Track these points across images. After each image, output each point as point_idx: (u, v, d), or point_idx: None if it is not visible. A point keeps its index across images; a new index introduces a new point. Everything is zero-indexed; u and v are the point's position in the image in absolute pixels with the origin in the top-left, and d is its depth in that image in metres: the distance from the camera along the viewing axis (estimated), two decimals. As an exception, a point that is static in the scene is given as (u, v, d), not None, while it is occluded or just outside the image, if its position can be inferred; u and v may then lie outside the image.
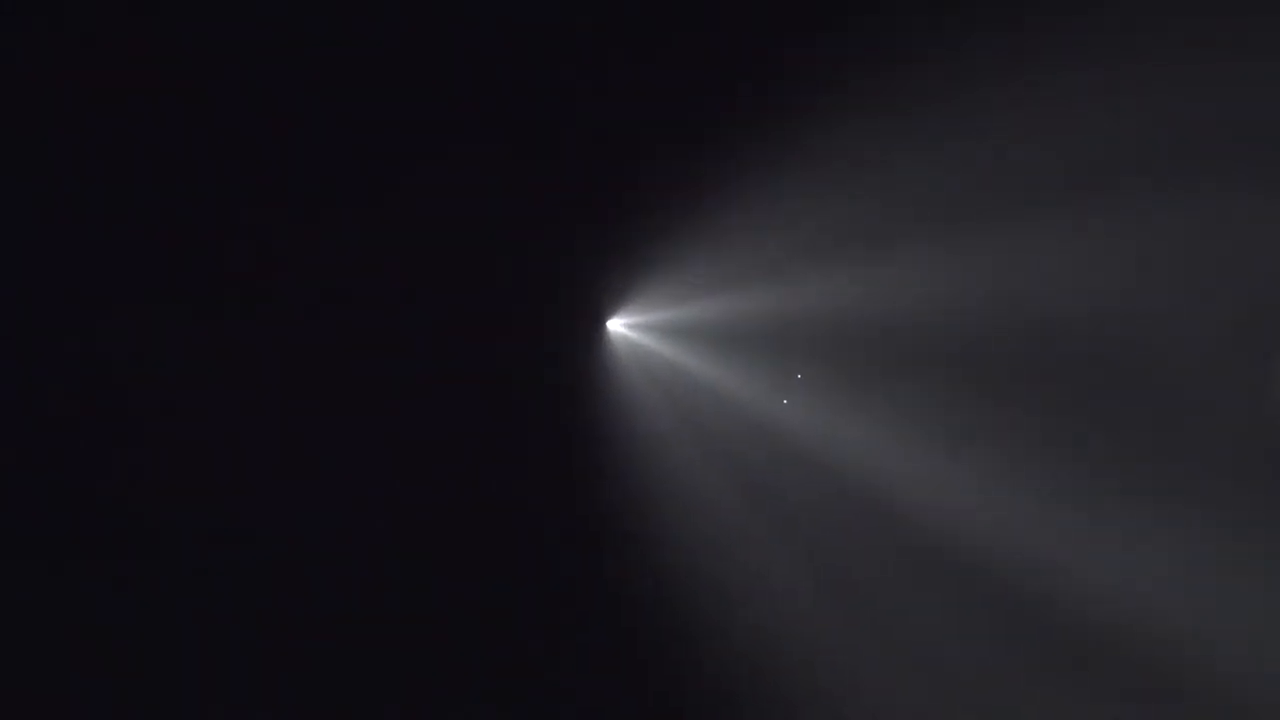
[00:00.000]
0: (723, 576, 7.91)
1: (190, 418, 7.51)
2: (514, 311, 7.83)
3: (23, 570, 7.26)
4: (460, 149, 7.74)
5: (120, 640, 7.32)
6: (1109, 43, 7.83)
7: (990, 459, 8.03)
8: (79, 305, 7.42)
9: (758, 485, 8.04)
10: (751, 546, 7.99)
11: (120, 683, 7.29)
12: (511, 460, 7.83)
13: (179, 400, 7.51)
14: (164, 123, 7.46)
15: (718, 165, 7.87)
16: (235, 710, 7.35)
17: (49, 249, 7.39)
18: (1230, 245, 7.94)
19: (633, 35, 7.80)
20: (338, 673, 7.49)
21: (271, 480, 7.53)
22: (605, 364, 7.91)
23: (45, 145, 7.35)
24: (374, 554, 7.61)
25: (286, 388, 7.60)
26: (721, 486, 8.01)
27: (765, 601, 7.93)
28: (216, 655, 7.39)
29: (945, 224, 7.98)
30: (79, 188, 7.40)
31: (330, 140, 7.64)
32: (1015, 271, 8.03)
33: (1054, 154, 7.95)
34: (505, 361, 7.82)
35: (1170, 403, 8.03)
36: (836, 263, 8.00)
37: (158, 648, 7.35)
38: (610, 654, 7.74)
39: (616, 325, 7.91)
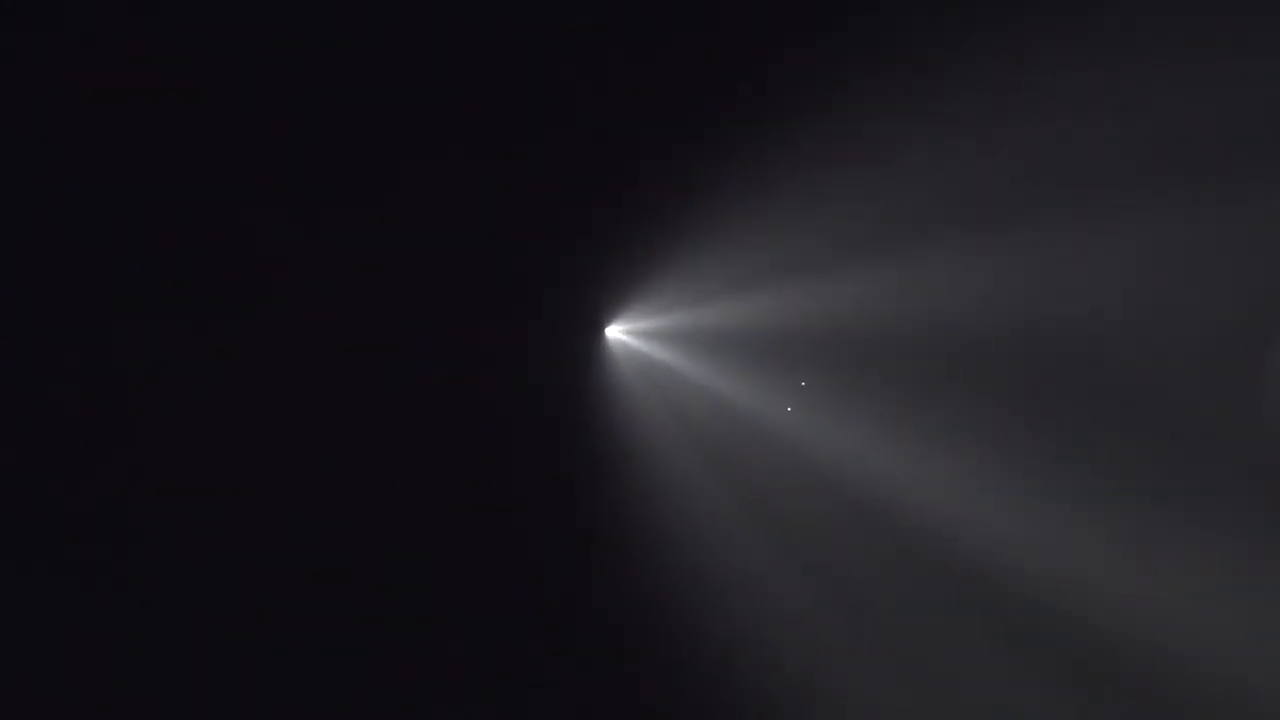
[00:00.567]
0: (721, 581, 7.92)
1: (190, 417, 7.50)
2: (513, 316, 7.82)
3: (23, 570, 7.27)
4: (458, 151, 7.73)
5: (120, 640, 7.33)
6: (1109, 43, 7.81)
7: (992, 462, 8.04)
8: (79, 305, 7.40)
9: (756, 490, 8.05)
10: (750, 551, 7.99)
11: (120, 683, 7.30)
12: (510, 464, 7.83)
13: (179, 400, 7.50)
14: (164, 123, 7.44)
15: (717, 169, 7.86)
16: (235, 710, 7.36)
17: (49, 249, 7.37)
18: (1231, 245, 7.93)
19: (633, 36, 7.78)
20: (338, 673, 7.50)
21: (271, 480, 7.53)
22: (604, 369, 7.90)
23: (45, 145, 7.32)
24: (373, 555, 7.61)
25: (285, 388, 7.59)
26: (720, 491, 8.01)
27: (764, 605, 7.94)
28: (216, 655, 7.39)
29: (946, 226, 7.99)
30: (79, 188, 7.38)
31: (330, 140, 7.63)
32: (1016, 274, 8.03)
33: (1056, 154, 7.95)
34: (504, 366, 7.81)
35: (1171, 403, 8.04)
36: (836, 266, 7.99)
37: (158, 648, 7.35)
38: (607, 657, 7.75)
39: (615, 331, 7.90)
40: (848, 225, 7.98)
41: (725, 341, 8.01)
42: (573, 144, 7.84)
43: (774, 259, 7.98)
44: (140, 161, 7.44)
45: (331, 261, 7.66)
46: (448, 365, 7.76)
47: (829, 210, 7.95)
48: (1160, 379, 8.02)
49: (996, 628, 7.91)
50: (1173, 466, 7.97)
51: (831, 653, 7.90)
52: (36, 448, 7.35)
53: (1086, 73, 7.86)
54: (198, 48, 7.43)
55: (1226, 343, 8.01)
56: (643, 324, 7.91)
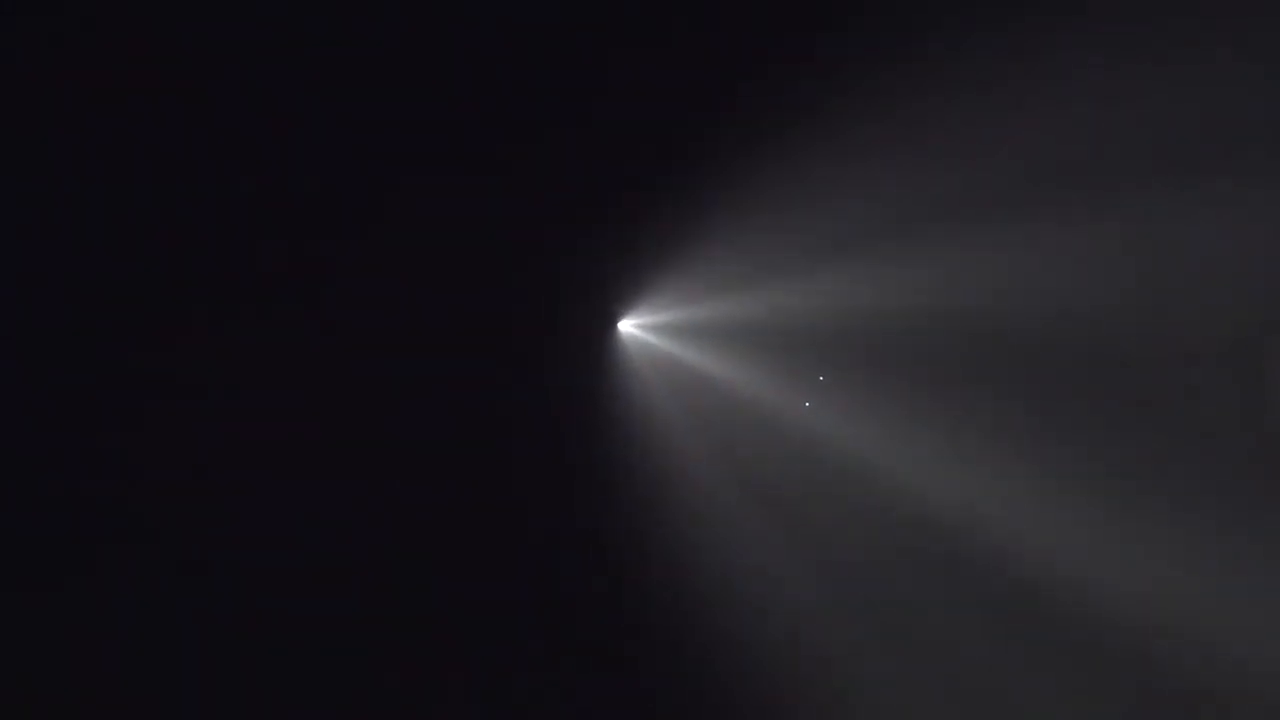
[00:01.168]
0: (735, 576, 7.71)
1: (190, 417, 7.40)
2: (525, 312, 7.73)
3: (22, 571, 7.11)
4: (468, 148, 7.72)
5: (120, 641, 7.15)
6: (1107, 41, 7.83)
7: (1007, 457, 7.87)
8: (78, 305, 7.35)
9: (770, 484, 7.87)
10: (764, 545, 7.79)
11: (120, 683, 7.09)
12: (524, 460, 7.68)
13: (179, 400, 7.40)
14: (164, 123, 7.45)
15: (729, 164, 7.82)
16: (235, 711, 7.11)
17: (49, 249, 7.35)
18: (1230, 241, 7.85)
19: (641, 31, 7.80)
20: (339, 673, 7.29)
21: (280, 480, 7.40)
22: (617, 364, 7.79)
23: (45, 145, 7.34)
24: (383, 555, 7.44)
25: (291, 387, 7.50)
26: (734, 486, 7.83)
27: (777, 601, 7.72)
28: (216, 656, 7.19)
29: (959, 221, 7.90)
30: (79, 188, 7.37)
31: (335, 141, 7.62)
32: (1029, 268, 7.94)
33: (1066, 148, 7.90)
34: (517, 362, 7.71)
35: (1183, 397, 7.89)
36: (849, 260, 7.91)
37: (158, 648, 7.17)
38: (619, 654, 7.53)
39: (628, 325, 7.80)
40: (863, 220, 7.91)
41: (739, 336, 7.90)
42: (584, 139, 7.82)
43: (787, 253, 7.89)
44: (140, 161, 7.43)
45: (338, 263, 7.61)
46: (460, 363, 7.65)
47: (843, 204, 7.90)
48: (1172, 374, 7.89)
49: (1010, 624, 7.71)
50: (1181, 463, 7.81)
51: (845, 649, 7.68)
52: (36, 447, 7.23)
53: (1094, 64, 7.86)
54: (198, 48, 7.47)
55: (1227, 339, 7.89)
56: (657, 318, 7.80)
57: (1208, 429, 7.86)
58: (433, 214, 7.66)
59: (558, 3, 7.76)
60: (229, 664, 7.18)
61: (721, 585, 7.69)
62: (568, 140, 7.80)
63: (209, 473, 7.36)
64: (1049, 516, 7.80)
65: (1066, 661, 7.66)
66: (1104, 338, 7.93)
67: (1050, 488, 7.83)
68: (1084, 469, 7.86)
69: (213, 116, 7.49)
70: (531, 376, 7.70)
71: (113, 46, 7.38)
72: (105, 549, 7.22)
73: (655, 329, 7.82)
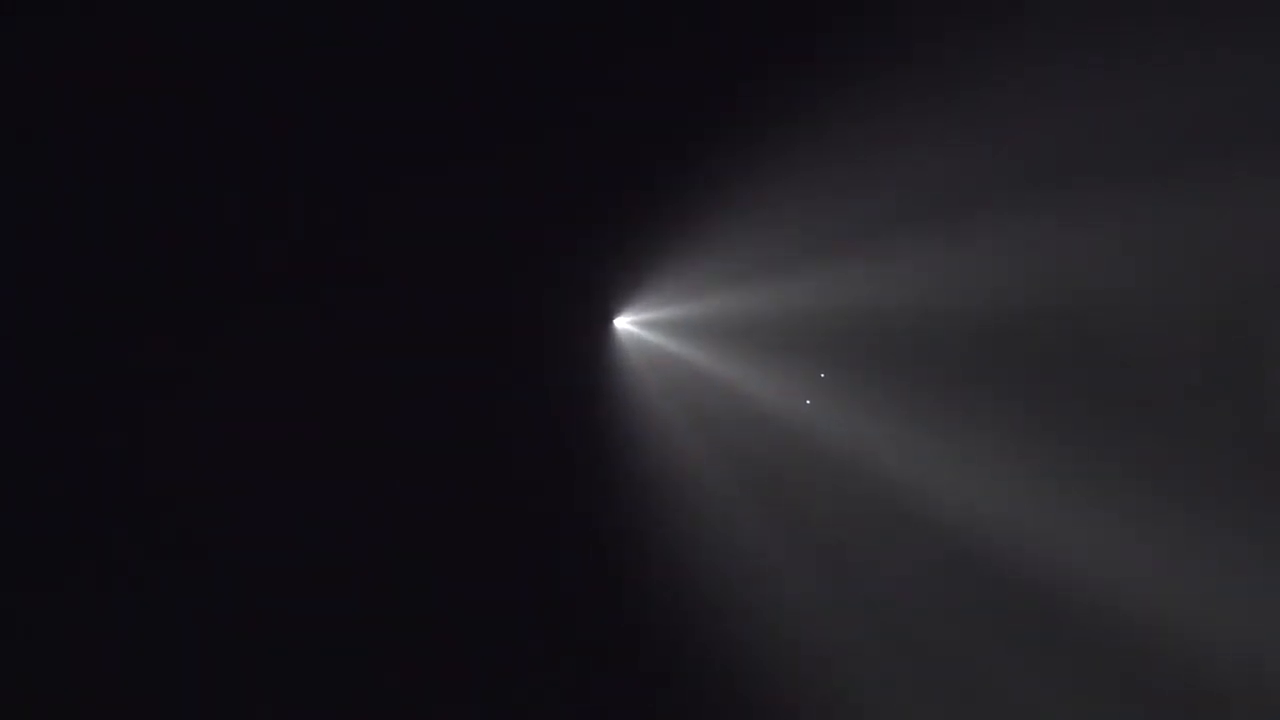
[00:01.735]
0: (734, 574, 7.71)
1: (189, 417, 7.42)
2: (521, 310, 7.74)
3: (22, 570, 7.14)
4: (463, 145, 7.72)
5: (119, 641, 7.18)
6: (1103, 37, 7.83)
7: (1008, 454, 7.86)
8: (78, 305, 7.38)
9: (770, 481, 7.86)
10: (763, 543, 7.79)
11: (121, 683, 7.13)
12: (522, 460, 7.68)
13: (177, 400, 7.42)
14: (164, 123, 7.46)
15: (726, 159, 7.81)
16: (235, 711, 7.14)
17: (49, 249, 7.36)
18: (1229, 235, 7.85)
19: (638, 27, 7.80)
20: (339, 673, 7.31)
21: (278, 480, 7.42)
22: (613, 362, 7.79)
23: (45, 145, 7.35)
24: (379, 554, 7.46)
25: (288, 387, 7.50)
26: (733, 483, 7.83)
27: (777, 599, 7.71)
28: (217, 656, 7.23)
29: (960, 216, 7.89)
30: (79, 188, 7.38)
31: (331, 140, 7.63)
32: (1029, 264, 7.93)
33: (1062, 147, 7.89)
34: (514, 361, 7.72)
35: (1178, 398, 7.88)
36: (848, 256, 7.89)
37: (157, 648, 7.20)
38: (617, 653, 7.54)
39: (624, 323, 7.80)
40: (861, 216, 7.90)
41: (737, 332, 7.89)
42: (579, 136, 7.82)
43: (785, 249, 7.88)
44: (140, 161, 7.45)
45: (334, 261, 7.62)
46: (457, 362, 7.66)
47: (840, 201, 7.89)
48: (1174, 372, 7.88)
49: (1013, 623, 7.70)
50: (1189, 460, 7.80)
51: (846, 649, 7.68)
52: (36, 447, 7.25)
53: (1093, 59, 7.86)
54: (198, 48, 7.48)
55: (1226, 331, 7.88)
56: (653, 315, 7.80)
57: (1208, 428, 7.85)
58: (424, 212, 7.66)
59: (556, 2, 7.77)
60: (229, 664, 7.20)
61: (721, 583, 7.69)
62: (565, 138, 7.80)
63: (207, 472, 7.38)
64: (1051, 515, 7.78)
65: (1069, 661, 7.66)
66: (1106, 336, 7.93)
67: (1052, 487, 7.81)
68: (1087, 468, 7.84)
69: (211, 116, 7.51)
70: (529, 374, 7.71)
71: (113, 46, 7.40)
72: (104, 549, 7.25)
73: (653, 326, 7.82)
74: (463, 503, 7.57)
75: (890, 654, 7.71)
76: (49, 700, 7.01)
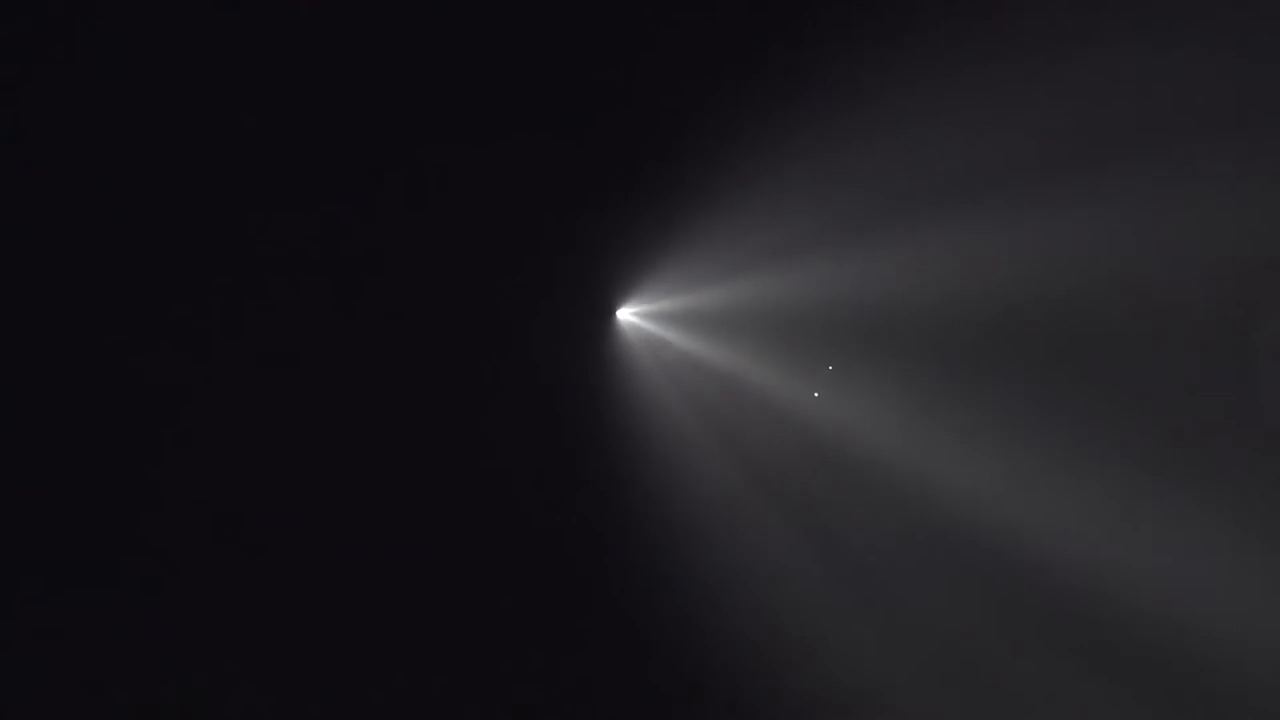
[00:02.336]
0: (738, 564, 7.76)
1: (191, 417, 7.41)
2: (522, 301, 7.76)
3: (23, 571, 7.14)
4: (464, 138, 7.72)
5: (119, 641, 7.21)
6: (1110, 25, 7.87)
7: (1014, 446, 7.92)
8: (78, 306, 7.36)
9: (772, 472, 7.91)
10: (768, 534, 7.84)
11: (120, 683, 7.16)
12: (521, 451, 7.71)
13: (174, 399, 7.42)
14: (164, 122, 7.44)
15: (732, 149, 7.83)
16: (236, 711, 7.18)
17: (48, 249, 7.34)
18: (1229, 227, 7.95)
19: (639, 20, 7.82)
20: (339, 673, 7.35)
21: (276, 480, 7.43)
22: (616, 353, 7.82)
23: (45, 145, 7.32)
24: (378, 550, 7.49)
25: (285, 386, 7.51)
26: (735, 475, 7.87)
27: (780, 591, 7.77)
28: (216, 656, 7.27)
29: (963, 205, 7.89)
30: (79, 188, 7.35)
31: (332, 137, 7.62)
32: (1035, 254, 7.94)
33: (1069, 134, 7.91)
34: (514, 352, 7.73)
35: (1182, 392, 7.97)
36: (850, 247, 7.90)
37: (157, 649, 7.24)
38: (620, 645, 7.59)
39: (626, 314, 7.83)
40: (863, 207, 7.91)
41: (739, 323, 7.90)
42: (577, 131, 7.83)
43: (787, 239, 7.90)
44: (140, 161, 7.42)
45: (335, 257, 7.62)
46: (457, 353, 7.67)
47: (842, 190, 7.90)
48: (1177, 366, 7.97)
49: (1018, 616, 7.76)
50: (1197, 454, 7.88)
51: (854, 642, 7.73)
52: (35, 447, 7.24)
53: (1102, 47, 7.88)
54: (197, 47, 7.45)
55: (1228, 322, 7.98)
56: (655, 306, 7.83)
57: (1213, 419, 7.89)
58: (426, 207, 7.67)
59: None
60: (228, 664, 7.24)
61: (724, 574, 7.73)
62: (560, 129, 7.81)
63: (205, 471, 7.38)
64: (1055, 504, 7.83)
65: (1077, 651, 7.70)
66: (1113, 330, 7.96)
67: (1061, 481, 7.87)
68: (1097, 462, 7.88)
69: (210, 116, 7.48)
70: (532, 365, 7.72)
71: (113, 45, 7.37)
72: (104, 549, 7.26)
73: (654, 316, 7.85)
74: (461, 497, 7.59)
75: (899, 647, 7.76)
76: (50, 701, 7.01)
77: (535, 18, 7.75)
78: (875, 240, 7.92)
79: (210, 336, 7.49)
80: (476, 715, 7.43)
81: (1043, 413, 7.96)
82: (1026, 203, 7.90)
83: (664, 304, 7.84)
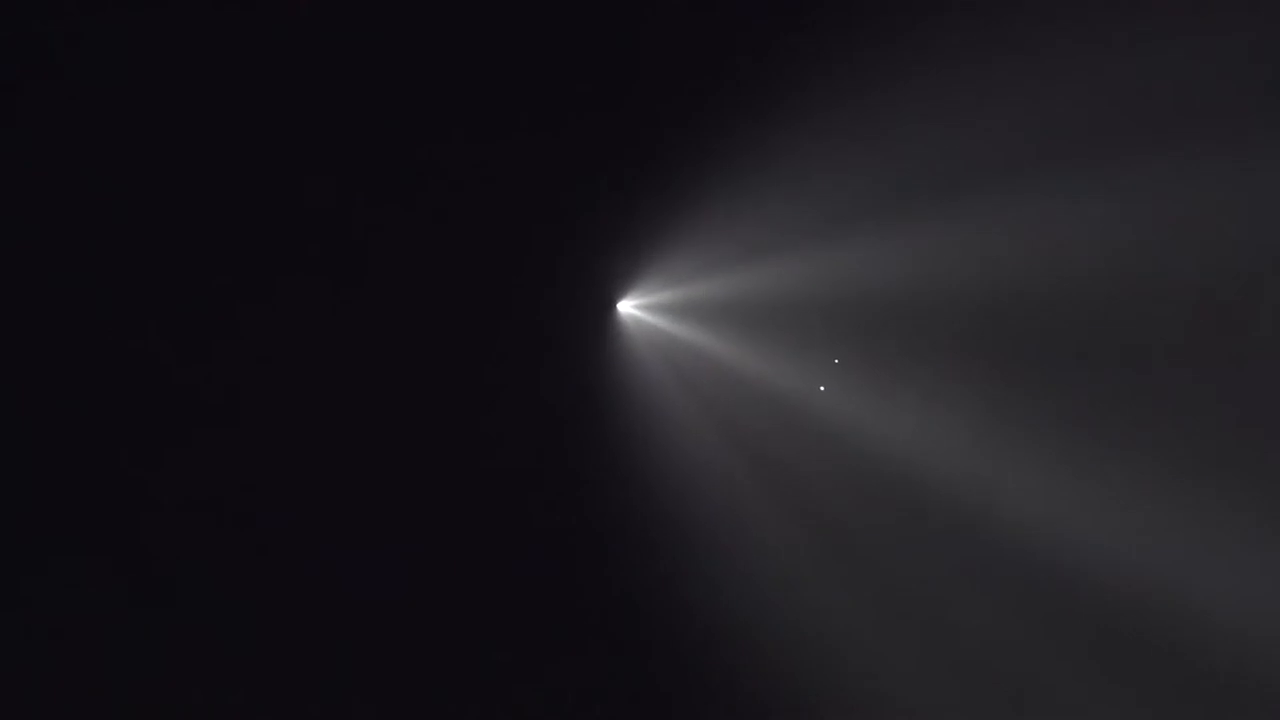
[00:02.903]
0: (741, 560, 7.67)
1: (190, 417, 7.44)
2: (521, 294, 7.73)
3: (23, 571, 7.16)
4: (461, 133, 7.72)
5: (119, 640, 7.22)
6: (1103, 14, 7.80)
7: (1018, 440, 7.81)
8: (78, 305, 7.41)
9: (775, 465, 7.82)
10: (772, 528, 7.74)
11: (120, 684, 7.16)
12: (522, 445, 7.67)
13: (173, 399, 7.44)
14: (164, 122, 7.50)
15: (730, 139, 7.79)
16: (235, 711, 7.16)
17: (48, 249, 7.40)
18: (1232, 217, 7.80)
19: (634, 15, 7.81)
20: (339, 673, 7.33)
21: (274, 479, 7.43)
22: (617, 347, 7.77)
23: (45, 145, 7.40)
24: (378, 546, 7.46)
25: (284, 385, 7.51)
26: (739, 468, 7.79)
27: (784, 586, 7.67)
28: (217, 656, 7.26)
29: (969, 198, 7.84)
30: (79, 187, 7.42)
31: (331, 136, 7.65)
32: (1039, 247, 7.88)
33: (1065, 125, 7.85)
34: (515, 347, 7.71)
35: (1187, 381, 7.83)
36: (855, 237, 7.84)
37: (157, 648, 7.23)
38: (625, 646, 7.52)
39: (627, 306, 7.78)
40: (867, 197, 7.86)
41: (743, 315, 7.84)
42: (579, 119, 7.81)
43: (791, 231, 7.83)
44: (140, 161, 7.48)
45: (335, 253, 7.65)
46: (456, 348, 7.66)
47: (847, 181, 7.85)
48: (1177, 356, 7.83)
49: (1027, 608, 7.66)
50: (1204, 446, 7.75)
51: (859, 637, 7.63)
52: (36, 447, 7.28)
53: (1097, 36, 7.82)
54: (198, 47, 7.52)
55: (1230, 315, 7.83)
56: (657, 299, 7.77)
57: (1214, 412, 7.78)
58: (424, 201, 7.68)
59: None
60: (228, 664, 7.23)
61: (727, 569, 7.64)
62: (561, 119, 7.79)
63: (205, 472, 7.40)
64: (1065, 499, 7.74)
65: (1086, 652, 7.61)
66: (1113, 324, 7.87)
67: (1066, 476, 7.77)
68: (1108, 458, 7.78)
69: (210, 116, 7.53)
70: (532, 360, 7.70)
71: (114, 45, 7.45)
72: (104, 549, 7.29)
73: (655, 309, 7.79)
74: (463, 486, 7.55)
75: (900, 640, 7.66)
76: (49, 701, 7.03)
77: (535, 14, 7.76)
78: (879, 232, 7.85)
79: (210, 336, 7.51)
80: (476, 715, 7.37)
81: (1046, 407, 7.85)
82: (1032, 197, 7.83)
83: (666, 296, 7.78)
